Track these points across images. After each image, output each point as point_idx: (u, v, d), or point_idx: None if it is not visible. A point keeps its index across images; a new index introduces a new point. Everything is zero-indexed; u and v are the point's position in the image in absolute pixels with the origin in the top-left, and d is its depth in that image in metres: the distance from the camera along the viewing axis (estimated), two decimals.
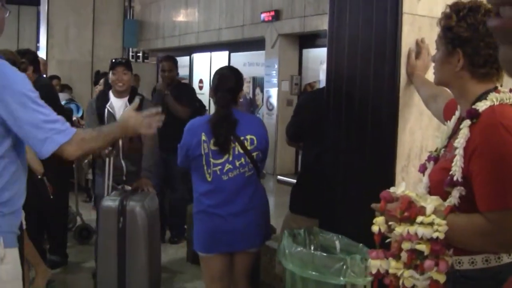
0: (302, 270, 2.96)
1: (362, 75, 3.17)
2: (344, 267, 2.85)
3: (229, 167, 3.86)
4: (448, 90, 2.54)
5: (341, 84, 3.33)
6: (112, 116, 5.47)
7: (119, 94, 5.54)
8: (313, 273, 2.91)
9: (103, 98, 5.66)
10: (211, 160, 3.87)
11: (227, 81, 3.98)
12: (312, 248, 3.24)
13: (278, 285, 4.32)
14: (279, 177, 5.06)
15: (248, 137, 3.88)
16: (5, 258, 2.68)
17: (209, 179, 3.90)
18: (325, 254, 2.98)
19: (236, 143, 3.85)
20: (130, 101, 5.28)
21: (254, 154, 3.90)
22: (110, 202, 4.88)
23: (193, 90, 8.09)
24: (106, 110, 5.50)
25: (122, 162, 5.51)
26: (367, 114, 3.15)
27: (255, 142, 3.89)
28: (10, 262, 2.73)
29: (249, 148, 3.87)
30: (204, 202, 3.97)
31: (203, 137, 3.86)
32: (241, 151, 3.87)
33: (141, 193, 5.16)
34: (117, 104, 5.53)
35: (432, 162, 2.32)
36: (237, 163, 3.87)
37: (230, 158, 3.86)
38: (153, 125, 3.10)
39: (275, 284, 4.62)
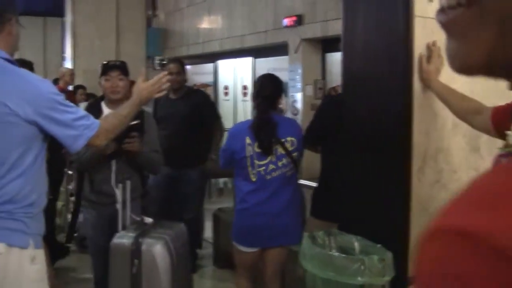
0: (321, 271, 3.00)
1: (377, 78, 3.22)
2: (362, 267, 2.89)
3: (272, 167, 4.17)
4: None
5: (356, 87, 3.38)
6: None
7: (114, 105, 4.32)
8: (332, 274, 2.95)
9: (93, 110, 4.25)
10: (256, 161, 4.18)
11: (265, 88, 4.31)
12: (331, 249, 3.29)
13: None
14: (301, 181, 5.10)
15: (288, 139, 4.18)
16: (35, 259, 2.87)
17: (254, 179, 4.20)
18: (343, 255, 3.02)
19: (278, 145, 4.16)
20: None
21: (294, 154, 4.21)
22: (124, 239, 3.92)
23: (211, 99, 7.20)
24: None
25: (115, 188, 4.37)
26: (382, 116, 3.19)
27: (295, 143, 4.20)
28: (39, 263, 2.91)
29: (290, 149, 4.18)
30: (248, 201, 4.26)
31: (248, 141, 4.17)
32: (283, 152, 4.18)
33: (166, 226, 4.17)
34: None
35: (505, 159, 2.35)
36: (279, 164, 4.18)
37: (273, 159, 4.17)
38: (163, 87, 3.56)
39: (299, 287, 4.66)
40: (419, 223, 3.13)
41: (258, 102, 4.27)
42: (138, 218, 4.15)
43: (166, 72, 3.69)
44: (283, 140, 4.17)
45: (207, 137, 6.31)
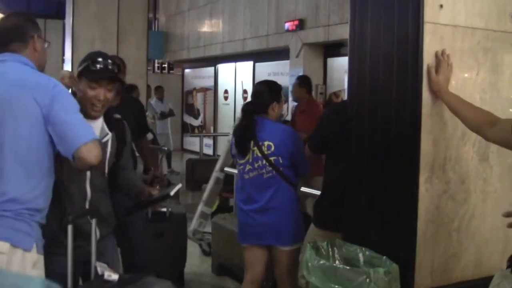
0: (325, 284, 2.91)
1: (384, 85, 3.13)
2: (368, 280, 2.81)
3: (249, 167, 4.38)
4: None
5: (363, 95, 3.29)
6: None
7: (88, 120, 3.13)
8: (336, 286, 2.86)
9: None
10: (238, 160, 4.49)
11: (254, 93, 4.56)
12: (335, 261, 3.20)
13: None
14: (302, 188, 5.08)
15: (265, 143, 4.31)
16: (37, 263, 2.83)
17: (239, 176, 4.54)
18: (348, 267, 2.93)
19: (255, 148, 4.32)
20: (109, 122, 3.42)
21: (272, 158, 4.30)
22: None
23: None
24: None
25: (93, 223, 3.16)
26: (390, 125, 3.10)
27: (273, 147, 4.30)
28: (40, 268, 2.86)
29: (266, 152, 4.30)
30: (237, 197, 4.62)
31: (233, 140, 4.50)
32: (259, 154, 4.32)
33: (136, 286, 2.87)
34: None
35: None
36: (256, 165, 4.35)
37: (250, 160, 4.37)
38: None
39: None
40: (426, 235, 3.05)
41: (243, 106, 4.57)
42: (101, 271, 2.94)
43: None
44: (260, 143, 4.32)
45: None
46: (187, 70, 19.27)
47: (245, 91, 15.20)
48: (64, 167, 3.06)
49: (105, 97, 3.27)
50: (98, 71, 3.28)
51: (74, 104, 2.91)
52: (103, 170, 3.35)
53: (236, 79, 15.96)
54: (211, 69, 17.41)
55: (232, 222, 6.43)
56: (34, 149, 2.81)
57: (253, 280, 4.57)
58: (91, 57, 3.34)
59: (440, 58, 2.99)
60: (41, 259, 2.87)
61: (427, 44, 2.96)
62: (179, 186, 3.45)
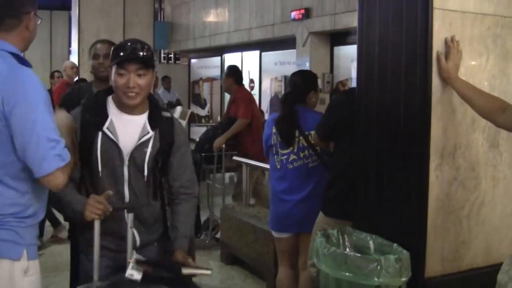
0: (335, 271, 2.92)
1: (393, 72, 3.12)
2: (378, 267, 2.81)
3: (294, 157, 4.45)
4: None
5: (372, 82, 3.27)
6: (112, 145, 3.04)
7: (129, 108, 3.07)
8: (347, 274, 2.87)
9: (95, 110, 3.09)
10: (279, 150, 4.50)
11: (291, 83, 4.63)
12: (345, 248, 3.20)
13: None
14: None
15: (312, 132, 4.34)
16: (28, 271, 2.70)
17: (278, 167, 4.53)
18: (358, 255, 2.93)
19: (301, 137, 4.40)
20: (153, 120, 3.13)
21: (318, 148, 4.37)
22: None
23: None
24: (99, 134, 3.02)
25: (129, 217, 3.04)
26: (399, 112, 3.09)
27: None
28: (34, 274, 2.73)
29: (312, 142, 4.36)
30: (275, 187, 4.59)
31: (274, 130, 4.52)
32: (305, 144, 4.41)
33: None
34: (123, 125, 3.07)
35: None
36: (301, 155, 4.44)
37: (295, 150, 4.45)
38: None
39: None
40: (436, 222, 3.04)
41: (283, 96, 4.68)
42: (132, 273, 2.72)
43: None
44: (306, 132, 4.39)
45: None
46: (193, 60, 19.23)
47: (251, 81, 15.16)
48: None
49: (136, 84, 2.97)
50: (124, 53, 3.00)
51: (37, 104, 2.56)
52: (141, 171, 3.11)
53: (243, 69, 15.91)
54: (217, 59, 17.36)
55: (240, 212, 6.43)
56: (4, 160, 2.60)
57: (292, 264, 4.65)
58: (120, 43, 3.11)
59: (450, 45, 2.98)
60: (34, 264, 2.72)
61: (436, 30, 2.95)
62: (204, 271, 3.03)
